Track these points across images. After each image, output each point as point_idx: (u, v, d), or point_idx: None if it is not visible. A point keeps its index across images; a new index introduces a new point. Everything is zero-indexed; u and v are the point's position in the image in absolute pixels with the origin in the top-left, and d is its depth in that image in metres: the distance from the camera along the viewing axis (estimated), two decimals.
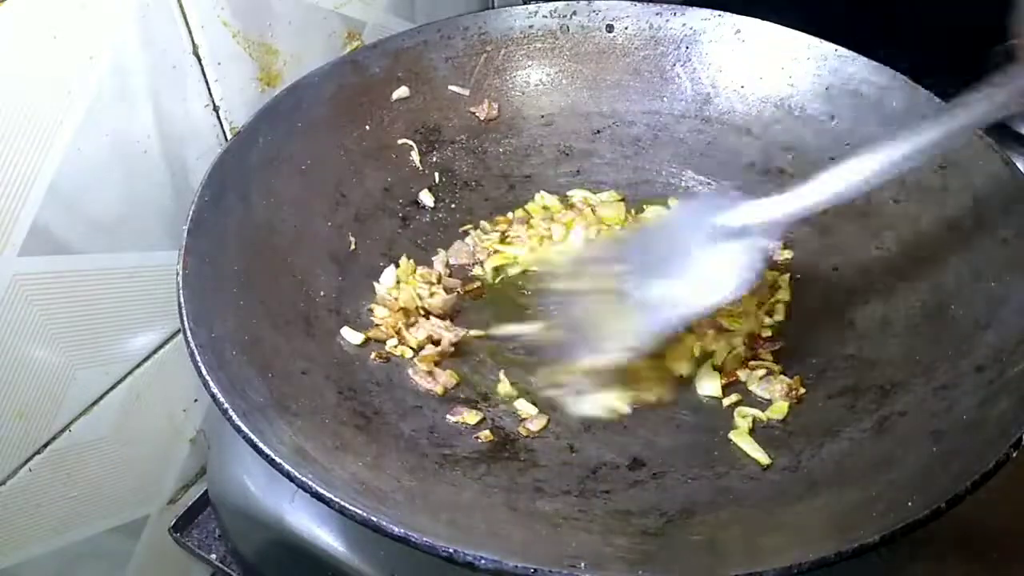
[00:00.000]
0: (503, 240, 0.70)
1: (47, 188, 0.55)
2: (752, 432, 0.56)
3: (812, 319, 0.63)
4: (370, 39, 0.77)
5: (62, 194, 0.56)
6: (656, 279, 0.56)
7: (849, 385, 0.57)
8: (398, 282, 0.65)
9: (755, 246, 0.54)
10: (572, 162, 0.76)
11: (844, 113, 0.70)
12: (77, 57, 0.54)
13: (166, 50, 0.60)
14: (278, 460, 0.45)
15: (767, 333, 0.62)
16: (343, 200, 0.68)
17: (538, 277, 0.67)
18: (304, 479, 0.44)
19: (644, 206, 0.72)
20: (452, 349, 0.61)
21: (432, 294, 0.65)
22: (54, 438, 0.62)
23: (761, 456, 0.54)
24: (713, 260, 0.54)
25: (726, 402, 0.58)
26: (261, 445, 0.46)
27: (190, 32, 0.61)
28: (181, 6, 0.60)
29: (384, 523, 0.42)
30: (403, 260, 0.67)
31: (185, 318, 0.51)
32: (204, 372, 0.49)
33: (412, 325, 0.63)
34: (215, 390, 0.48)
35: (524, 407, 0.58)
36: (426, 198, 0.72)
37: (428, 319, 0.63)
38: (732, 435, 0.56)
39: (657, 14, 0.76)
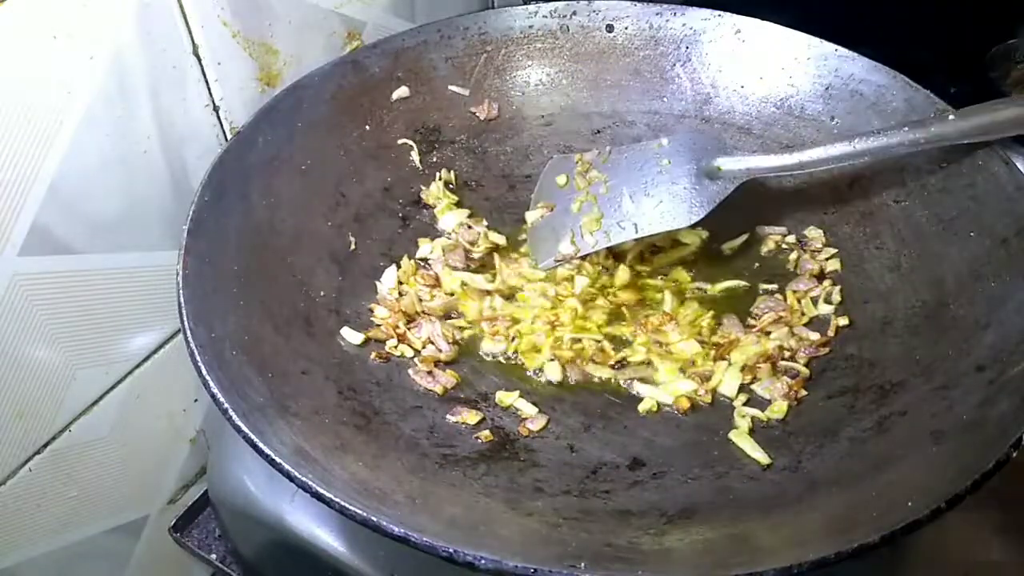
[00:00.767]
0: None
1: (47, 188, 0.55)
2: (752, 432, 0.56)
3: None
4: (370, 39, 0.77)
5: (62, 194, 0.56)
6: (627, 193, 0.66)
7: (849, 385, 0.57)
8: (399, 283, 0.65)
9: (719, 189, 0.63)
10: None
11: (844, 113, 0.70)
12: (77, 57, 0.54)
13: (166, 50, 0.60)
14: (278, 460, 0.45)
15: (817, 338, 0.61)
16: (343, 200, 0.68)
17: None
18: (304, 479, 0.44)
19: None
20: (452, 355, 0.61)
21: (432, 296, 0.65)
22: (54, 438, 0.62)
23: (761, 456, 0.54)
24: (677, 191, 0.64)
25: (737, 402, 0.58)
26: (261, 445, 0.46)
27: (190, 32, 0.61)
28: (181, 6, 0.60)
29: (384, 523, 0.42)
30: (404, 260, 0.67)
31: (185, 318, 0.51)
32: (204, 372, 0.49)
33: (412, 324, 0.63)
34: (215, 390, 0.48)
35: (524, 407, 0.58)
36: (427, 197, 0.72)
37: (431, 322, 0.63)
38: (732, 435, 0.56)
39: (657, 14, 0.76)
